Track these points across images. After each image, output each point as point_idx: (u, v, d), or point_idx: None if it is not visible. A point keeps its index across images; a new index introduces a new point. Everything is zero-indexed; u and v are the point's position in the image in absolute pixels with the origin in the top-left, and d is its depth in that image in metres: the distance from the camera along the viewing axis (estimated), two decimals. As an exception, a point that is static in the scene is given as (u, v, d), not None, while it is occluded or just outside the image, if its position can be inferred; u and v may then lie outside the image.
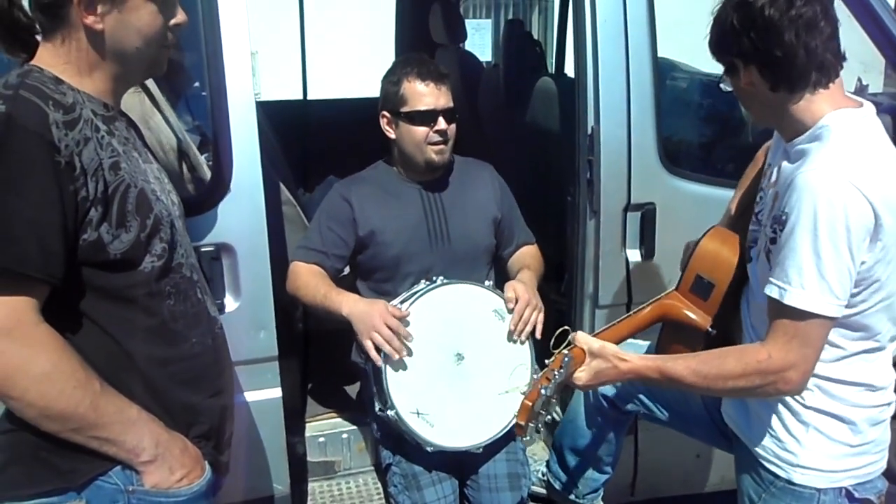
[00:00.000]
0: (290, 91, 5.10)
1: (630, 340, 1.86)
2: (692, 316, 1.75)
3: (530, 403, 1.59)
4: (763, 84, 1.49)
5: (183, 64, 2.16)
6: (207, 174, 2.07)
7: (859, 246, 1.39)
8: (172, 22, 1.37)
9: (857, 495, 1.61)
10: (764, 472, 1.65)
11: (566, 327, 1.71)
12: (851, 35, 2.33)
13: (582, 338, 1.66)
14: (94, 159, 1.24)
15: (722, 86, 1.62)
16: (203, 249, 1.89)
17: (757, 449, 1.66)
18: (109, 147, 1.28)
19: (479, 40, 8.55)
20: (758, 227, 1.67)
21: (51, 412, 1.21)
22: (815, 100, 1.48)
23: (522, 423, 1.59)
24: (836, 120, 1.46)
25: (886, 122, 2.42)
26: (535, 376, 1.67)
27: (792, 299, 1.41)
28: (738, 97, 1.62)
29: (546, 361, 1.67)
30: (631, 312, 1.82)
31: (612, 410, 2.10)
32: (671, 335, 1.81)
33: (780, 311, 1.44)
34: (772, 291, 1.45)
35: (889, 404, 1.62)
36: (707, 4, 1.56)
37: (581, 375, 1.64)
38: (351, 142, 2.44)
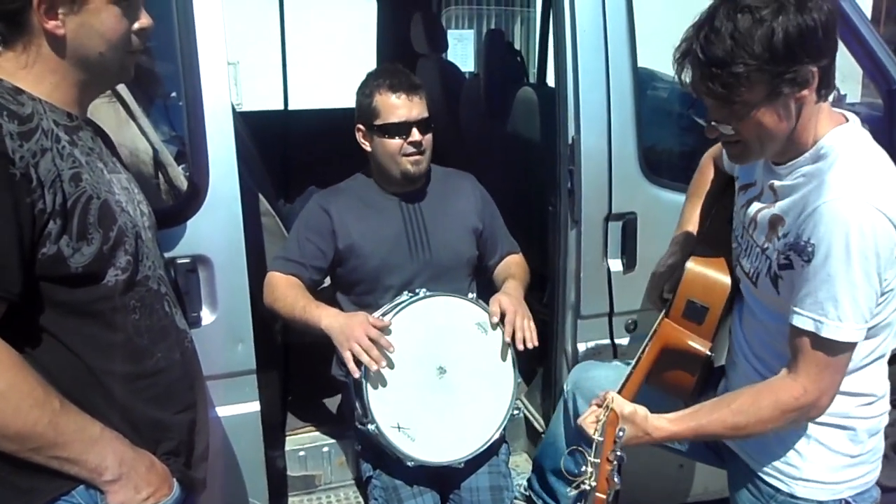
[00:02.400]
0: (271, 101, 5.08)
1: (616, 363, 1.81)
2: (695, 345, 1.70)
3: (604, 496, 1.40)
4: (815, 90, 1.38)
5: (159, 73, 2.13)
6: (184, 185, 2.04)
7: (886, 268, 1.39)
8: (136, 26, 1.32)
9: None
10: (764, 486, 1.63)
11: (607, 394, 1.57)
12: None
13: (619, 403, 1.54)
14: (51, 170, 1.20)
15: (709, 134, 1.47)
16: (179, 261, 1.86)
17: (757, 463, 1.64)
18: (70, 158, 1.25)
19: (462, 50, 8.55)
20: (737, 245, 1.65)
21: (7, 432, 1.17)
22: (822, 111, 1.45)
23: None
24: (839, 140, 1.44)
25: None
26: (591, 459, 1.41)
27: (830, 332, 1.40)
28: (763, 127, 1.41)
29: (595, 437, 1.45)
30: (636, 359, 1.75)
31: None
32: (666, 364, 1.75)
33: (814, 343, 1.42)
34: (805, 324, 1.41)
35: (885, 413, 1.62)
36: (687, 14, 1.47)
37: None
38: (332, 152, 2.43)
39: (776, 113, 1.39)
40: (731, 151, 1.53)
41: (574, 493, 1.42)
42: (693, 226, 1.91)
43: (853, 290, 1.38)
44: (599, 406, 1.55)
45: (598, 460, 1.41)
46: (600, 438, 1.44)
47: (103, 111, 1.96)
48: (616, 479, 1.39)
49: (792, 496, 1.59)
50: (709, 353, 1.70)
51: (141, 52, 1.38)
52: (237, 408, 2.03)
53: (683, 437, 1.58)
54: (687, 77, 1.43)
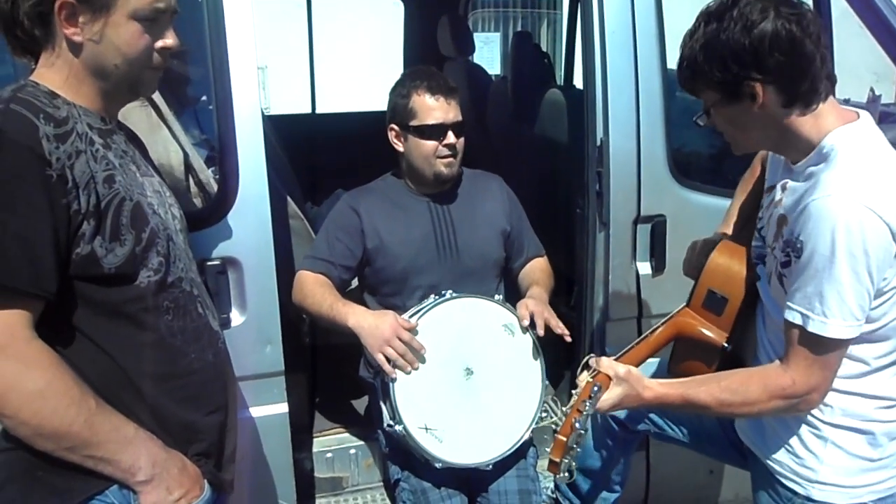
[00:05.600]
0: (299, 105, 5.12)
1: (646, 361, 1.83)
2: (708, 333, 1.71)
3: (564, 439, 1.53)
4: (777, 103, 1.44)
5: (190, 77, 2.16)
6: (214, 188, 2.06)
7: (879, 267, 1.38)
8: (160, 44, 1.34)
9: None
10: (782, 489, 1.62)
11: (592, 355, 1.68)
12: (864, 45, 2.31)
13: (606, 363, 1.62)
14: (86, 172, 1.23)
15: (699, 121, 1.58)
16: (209, 263, 1.89)
17: (774, 465, 1.63)
18: (104, 160, 1.27)
19: (488, 53, 8.57)
20: (762, 245, 1.65)
21: (44, 430, 1.20)
22: (820, 114, 1.47)
23: (557, 459, 1.53)
24: (841, 139, 1.45)
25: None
26: (564, 409, 1.59)
27: (815, 327, 1.41)
28: (734, 125, 1.53)
29: (573, 392, 1.61)
30: (645, 334, 1.78)
31: (622, 431, 2.06)
32: (685, 352, 1.77)
33: (801, 337, 1.44)
34: (794, 318, 1.44)
35: None
36: None
37: (605, 401, 1.60)
38: (359, 155, 2.44)
39: (730, 117, 1.50)
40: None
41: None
42: (731, 224, 1.91)
43: (839, 287, 1.38)
44: (589, 368, 1.64)
45: (570, 409, 1.56)
46: (578, 392, 1.59)
47: (135, 115, 1.98)
48: (578, 425, 1.52)
49: (809, 499, 1.58)
50: (725, 344, 1.70)
51: (162, 69, 1.39)
52: (266, 409, 2.05)
53: (672, 401, 1.60)
54: None
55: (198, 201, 2.10)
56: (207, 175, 2.13)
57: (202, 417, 1.41)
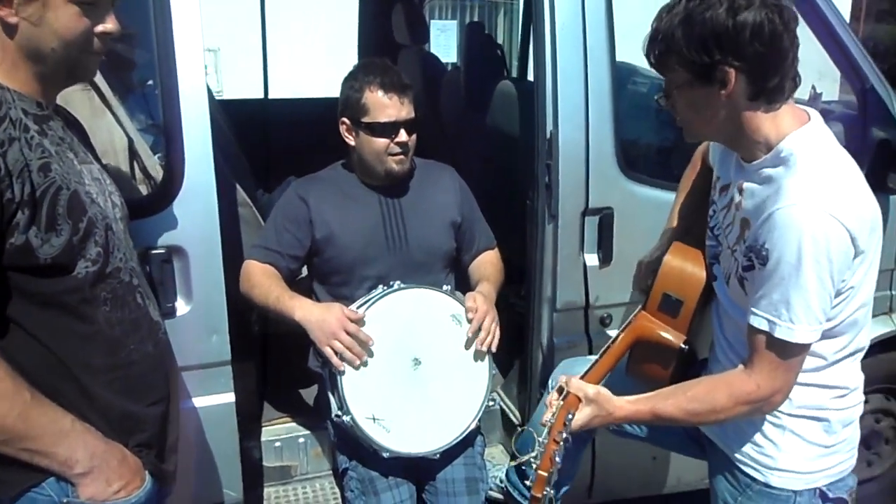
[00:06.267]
0: (253, 90, 5.03)
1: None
2: (667, 336, 1.73)
3: (546, 474, 1.48)
4: (744, 94, 1.43)
5: (135, 60, 2.11)
6: (160, 175, 2.02)
7: (841, 271, 1.42)
8: (99, 29, 1.31)
9: (830, 495, 1.64)
10: (740, 475, 1.67)
11: (562, 376, 1.64)
12: (808, 44, 2.37)
13: (575, 384, 1.61)
14: (19, 160, 1.19)
15: (660, 101, 1.55)
16: (154, 252, 1.85)
17: (734, 453, 1.67)
18: (39, 148, 1.24)
19: (445, 41, 8.54)
20: (716, 244, 1.68)
21: None
22: (780, 114, 1.48)
23: (539, 495, 1.49)
24: (799, 142, 1.46)
25: (838, 130, 2.48)
26: (540, 439, 1.51)
27: (782, 333, 1.44)
28: (695, 110, 1.50)
29: (546, 419, 1.55)
30: (608, 344, 1.79)
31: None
32: (642, 354, 1.79)
33: (767, 342, 1.47)
34: (760, 324, 1.46)
35: (859, 404, 1.66)
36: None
37: (576, 421, 1.58)
38: (313, 142, 2.41)
39: (693, 100, 1.47)
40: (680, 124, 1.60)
41: (513, 466, 1.49)
42: (680, 220, 1.93)
43: (805, 294, 1.41)
44: (560, 391, 1.60)
45: (546, 440, 1.49)
46: (552, 421, 1.52)
47: (77, 99, 1.93)
48: (558, 460, 1.46)
49: (767, 485, 1.63)
50: (682, 345, 1.72)
51: (102, 54, 1.35)
52: (212, 399, 2.03)
53: (642, 417, 1.62)
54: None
55: (143, 188, 2.06)
56: (153, 161, 2.08)
57: (143, 408, 1.40)
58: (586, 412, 1.59)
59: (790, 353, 1.47)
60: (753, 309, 1.47)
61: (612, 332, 1.90)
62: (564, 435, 1.50)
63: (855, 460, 1.68)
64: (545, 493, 1.49)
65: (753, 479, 1.64)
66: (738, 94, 1.43)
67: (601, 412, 1.59)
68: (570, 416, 1.53)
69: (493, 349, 2.08)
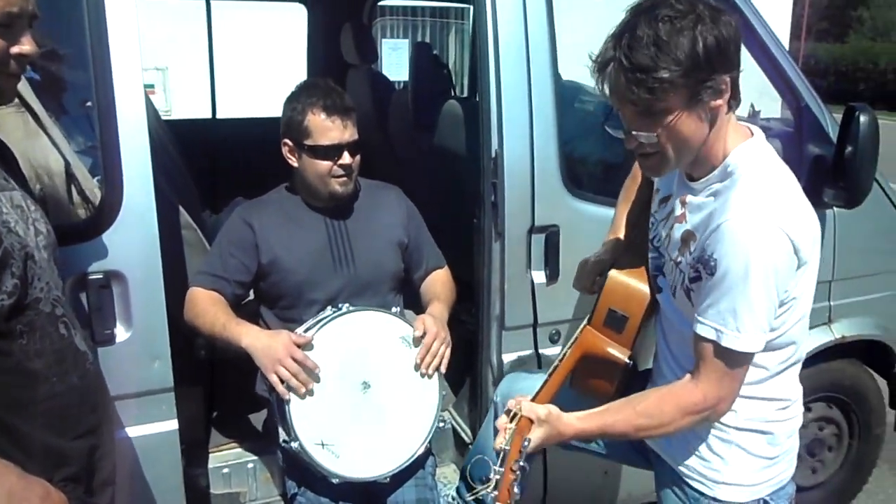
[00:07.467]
0: (202, 109, 4.96)
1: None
2: (613, 352, 1.74)
3: None
4: (726, 103, 1.45)
5: (72, 81, 2.07)
6: (98, 198, 1.98)
7: (786, 281, 1.46)
8: (15, 50, 1.27)
9: (772, 503, 1.67)
10: (689, 490, 1.69)
11: (514, 400, 1.60)
12: (749, 63, 2.44)
13: (527, 407, 1.60)
14: None
15: (642, 137, 1.46)
16: (91, 277, 1.80)
17: (681, 468, 1.69)
18: None
19: (397, 59, 8.58)
20: (659, 257, 1.70)
21: None
22: (728, 130, 1.51)
23: None
24: (744, 157, 1.50)
25: (776, 146, 2.55)
26: (496, 467, 1.45)
27: (729, 342, 1.45)
28: (683, 136, 1.45)
29: (499, 445, 1.50)
30: (555, 363, 1.79)
31: None
32: (588, 370, 1.79)
33: (714, 351, 1.48)
34: (707, 333, 1.48)
35: (799, 415, 1.70)
36: (607, 26, 1.48)
37: (531, 446, 1.56)
38: (261, 162, 2.38)
39: (695, 120, 1.44)
40: (645, 164, 1.56)
41: (472, 500, 1.43)
42: (622, 232, 1.95)
43: (751, 304, 1.43)
44: (509, 414, 1.57)
45: (503, 469, 1.43)
46: (506, 448, 1.47)
47: (10, 122, 1.88)
48: (517, 490, 1.41)
49: (715, 499, 1.65)
50: (628, 360, 1.74)
51: (20, 76, 1.32)
52: (153, 427, 1.96)
53: (591, 434, 1.62)
54: (607, 87, 1.45)
55: (82, 212, 2.01)
56: (91, 184, 2.03)
57: (68, 442, 1.34)
58: (539, 434, 1.57)
59: (736, 361, 1.48)
60: (700, 318, 1.49)
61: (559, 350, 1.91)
62: (521, 463, 1.46)
63: (794, 468, 1.72)
64: None
65: (702, 494, 1.66)
66: (724, 104, 1.44)
67: (553, 431, 1.59)
68: (525, 443, 1.48)
69: (443, 370, 2.07)
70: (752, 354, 1.49)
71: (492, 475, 1.44)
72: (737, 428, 1.62)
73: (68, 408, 1.35)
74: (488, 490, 1.43)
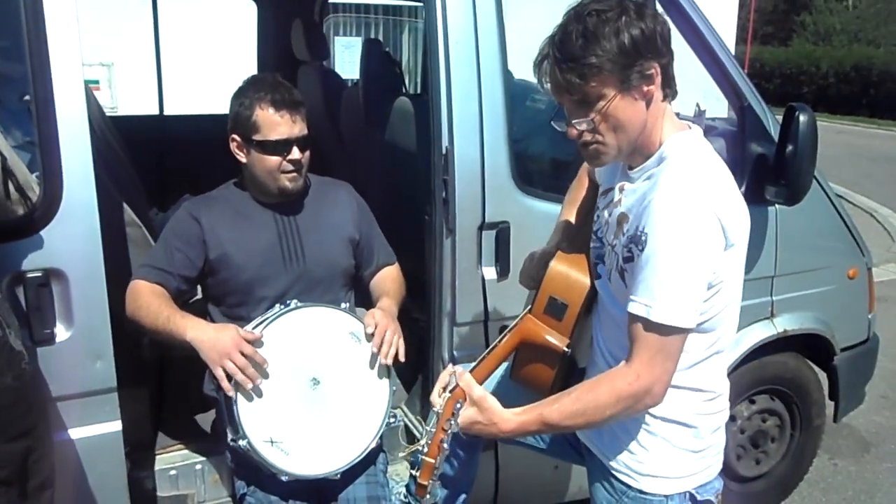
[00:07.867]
0: (149, 106, 4.86)
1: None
2: (551, 340, 1.75)
3: (433, 461, 1.48)
4: (660, 92, 1.52)
5: (9, 74, 2.00)
6: (37, 194, 1.92)
7: (714, 259, 1.48)
8: None
9: (699, 497, 1.69)
10: (617, 483, 1.71)
11: (453, 368, 1.66)
12: (692, 62, 2.49)
13: (466, 380, 1.61)
14: None
15: (580, 125, 1.52)
16: (29, 275, 1.76)
17: (609, 461, 1.71)
18: None
19: (350, 57, 8.52)
20: (601, 245, 1.72)
21: None
22: (668, 116, 1.56)
23: (426, 482, 1.48)
24: (677, 144, 1.55)
25: (720, 145, 2.61)
26: (428, 428, 1.53)
27: (658, 315, 1.46)
28: (619, 125, 1.51)
29: (435, 410, 1.56)
30: (493, 344, 1.80)
31: (466, 436, 2.10)
32: (527, 358, 1.81)
33: (645, 326, 1.48)
34: (637, 310, 1.48)
35: (725, 410, 1.73)
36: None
37: (460, 416, 1.59)
38: (210, 160, 2.34)
39: (629, 104, 1.50)
40: (586, 153, 1.60)
41: (413, 478, 1.50)
42: (565, 232, 1.97)
43: (680, 277, 1.46)
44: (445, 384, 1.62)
45: (434, 429, 1.50)
46: (439, 410, 1.53)
47: (-56, 116, 1.82)
48: (446, 447, 1.47)
49: (641, 492, 1.67)
50: (566, 349, 1.75)
51: None
52: (95, 428, 1.92)
53: (530, 428, 1.61)
54: (548, 83, 1.53)
55: (20, 208, 1.95)
56: (30, 180, 1.97)
57: (1, 444, 1.30)
58: (469, 413, 1.59)
59: (667, 337, 1.48)
60: (632, 297, 1.50)
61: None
62: (452, 423, 1.51)
63: (721, 465, 1.75)
64: (431, 480, 1.49)
65: (628, 486, 1.69)
66: (656, 90, 1.51)
67: (483, 419, 1.59)
68: (458, 406, 1.53)
69: (402, 358, 2.05)
70: (683, 331, 1.49)
71: (425, 434, 1.50)
72: (663, 419, 1.65)
73: (0, 410, 1.31)
74: (419, 447, 1.51)
